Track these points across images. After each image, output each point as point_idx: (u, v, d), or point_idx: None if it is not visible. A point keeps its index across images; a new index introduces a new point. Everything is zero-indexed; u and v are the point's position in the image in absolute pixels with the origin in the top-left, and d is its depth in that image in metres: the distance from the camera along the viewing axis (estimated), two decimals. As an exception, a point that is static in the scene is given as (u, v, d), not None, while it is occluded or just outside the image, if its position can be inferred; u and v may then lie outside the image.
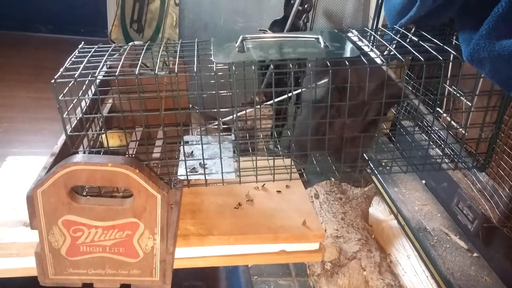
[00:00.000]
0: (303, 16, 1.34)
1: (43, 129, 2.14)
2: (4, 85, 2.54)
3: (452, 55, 0.70)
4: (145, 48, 0.81)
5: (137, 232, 0.62)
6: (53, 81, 0.67)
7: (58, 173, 0.57)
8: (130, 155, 0.85)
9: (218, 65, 0.69)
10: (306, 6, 1.32)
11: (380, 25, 1.22)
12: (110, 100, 0.99)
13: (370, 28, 1.27)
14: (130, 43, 1.02)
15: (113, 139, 0.90)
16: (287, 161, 0.87)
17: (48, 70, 2.87)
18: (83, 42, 0.85)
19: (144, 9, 3.02)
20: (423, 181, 1.04)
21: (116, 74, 0.65)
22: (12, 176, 0.87)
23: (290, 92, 0.87)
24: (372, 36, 0.81)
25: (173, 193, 0.76)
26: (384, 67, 0.68)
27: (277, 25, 1.46)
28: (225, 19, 1.99)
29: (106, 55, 0.75)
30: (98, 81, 0.66)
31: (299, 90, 0.93)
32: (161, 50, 0.79)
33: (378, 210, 1.21)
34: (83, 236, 0.61)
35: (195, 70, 0.68)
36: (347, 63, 0.67)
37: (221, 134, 0.89)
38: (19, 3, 3.37)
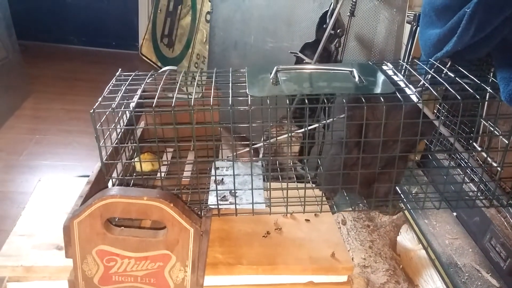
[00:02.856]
0: (335, 41, 1.34)
1: (74, 142, 2.19)
2: (39, 97, 2.62)
3: (489, 93, 0.69)
4: (181, 75, 0.82)
5: (168, 264, 0.63)
6: (92, 111, 0.69)
7: (95, 205, 0.58)
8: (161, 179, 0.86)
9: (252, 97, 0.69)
10: (338, 31, 1.32)
11: (412, 52, 1.21)
12: (142, 123, 1.01)
13: (402, 57, 1.26)
14: (166, 68, 1.04)
15: (144, 164, 0.92)
16: (317, 191, 0.87)
17: (81, 82, 2.98)
18: (120, 70, 0.86)
19: (175, 25, 3.07)
20: (454, 214, 1.02)
21: (153, 106, 0.66)
22: (45, 198, 0.89)
23: (318, 121, 0.88)
24: (407, 70, 0.81)
25: (203, 221, 0.76)
26: (420, 104, 0.67)
27: (309, 49, 1.47)
28: (255, 38, 2.01)
29: (143, 85, 0.76)
30: (133, 112, 0.68)
31: (330, 120, 0.93)
32: (196, 79, 0.81)
33: (406, 239, 1.19)
34: (116, 265, 0.62)
35: (230, 103, 0.68)
36: (382, 100, 0.67)
37: (252, 160, 0.90)
38: (53, 15, 3.48)
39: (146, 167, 0.92)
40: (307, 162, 0.97)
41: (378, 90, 0.70)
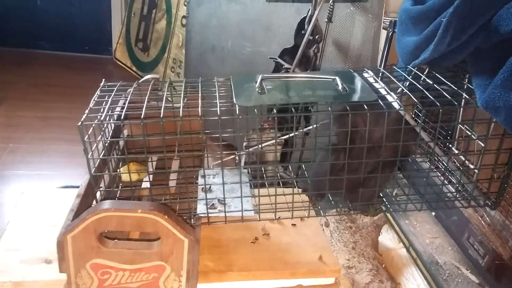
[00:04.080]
0: (314, 47, 1.36)
1: (49, 150, 2.15)
2: (11, 105, 2.56)
3: (466, 99, 0.72)
4: (166, 85, 0.82)
5: (163, 275, 0.63)
6: (79, 124, 0.69)
7: (88, 219, 0.58)
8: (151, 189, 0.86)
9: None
10: (317, 37, 1.35)
11: (389, 58, 1.25)
12: (125, 133, 1.01)
13: (379, 62, 1.30)
14: (148, 76, 1.04)
15: (131, 174, 0.92)
16: (304, 196, 0.89)
17: (55, 88, 2.92)
18: (104, 80, 0.86)
19: (150, 28, 3.06)
20: (433, 213, 1.06)
21: (142, 117, 0.67)
22: (29, 211, 0.88)
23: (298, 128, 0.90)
24: (387, 77, 0.83)
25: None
26: (402, 112, 0.70)
27: (287, 54, 1.49)
28: (232, 43, 2.02)
29: (129, 96, 0.77)
30: (122, 124, 0.68)
31: (311, 126, 0.95)
32: (183, 88, 0.81)
33: (387, 239, 1.22)
34: (111, 278, 0.63)
35: (218, 113, 0.70)
36: (366, 107, 0.70)
37: (238, 167, 0.91)
38: (23, 20, 3.40)
39: (133, 177, 0.92)
40: (290, 166, 0.99)
41: (361, 98, 0.73)
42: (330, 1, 1.32)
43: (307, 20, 1.41)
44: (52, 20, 3.43)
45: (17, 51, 3.41)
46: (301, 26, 1.45)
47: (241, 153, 1.01)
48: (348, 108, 0.69)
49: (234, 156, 0.89)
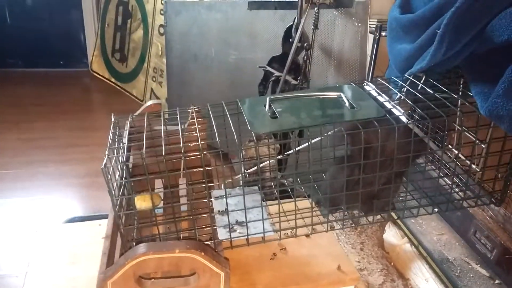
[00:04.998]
0: (303, 54, 1.39)
1: (38, 173, 2.12)
2: (-5, 128, 2.50)
3: (468, 107, 0.76)
4: (178, 117, 0.83)
5: (201, 308, 0.65)
6: (103, 167, 0.69)
7: (127, 264, 0.60)
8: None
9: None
10: (305, 44, 1.37)
11: (377, 61, 1.28)
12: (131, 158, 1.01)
13: (368, 66, 1.33)
14: (150, 102, 1.04)
15: (145, 202, 0.92)
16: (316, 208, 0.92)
17: (34, 107, 2.87)
18: (113, 114, 0.86)
19: (126, 39, 3.02)
20: (436, 209, 1.10)
21: (161, 158, 0.68)
22: (44, 250, 0.88)
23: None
24: (386, 89, 0.86)
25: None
26: (410, 125, 0.73)
27: (277, 62, 1.51)
28: (216, 51, 2.03)
29: (145, 133, 0.78)
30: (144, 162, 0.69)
31: (316, 139, 0.97)
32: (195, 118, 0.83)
33: (390, 235, 1.26)
34: (151, 317, 0.64)
35: (237, 143, 0.71)
36: (376, 124, 0.72)
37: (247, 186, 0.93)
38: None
39: (147, 205, 0.93)
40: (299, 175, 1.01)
41: (370, 114, 0.76)
42: (315, 8, 1.35)
43: (293, 28, 1.43)
44: (24, 36, 3.36)
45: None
46: (288, 34, 1.47)
47: (250, 171, 1.03)
48: (360, 126, 0.72)
49: (242, 174, 0.90)
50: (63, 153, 2.31)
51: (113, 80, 3.19)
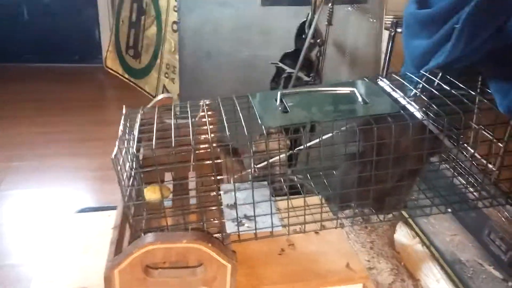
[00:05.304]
0: (316, 50, 1.38)
1: (54, 165, 2.15)
2: (6, 123, 2.54)
3: (485, 104, 0.75)
4: (189, 110, 0.83)
5: (208, 299, 0.65)
6: (113, 156, 0.69)
7: (135, 253, 0.59)
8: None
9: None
10: (318, 40, 1.36)
11: (392, 58, 1.26)
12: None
13: (382, 63, 1.31)
14: (161, 96, 1.04)
15: (155, 194, 0.92)
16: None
17: (49, 102, 2.91)
18: (124, 106, 0.86)
19: (140, 35, 3.04)
20: (449, 210, 1.09)
21: (170, 150, 0.68)
22: (57, 239, 0.88)
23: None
24: (401, 85, 0.85)
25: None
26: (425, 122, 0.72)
27: (289, 58, 1.50)
28: (229, 48, 2.02)
29: (155, 125, 0.77)
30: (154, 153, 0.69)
31: (328, 135, 0.96)
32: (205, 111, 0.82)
33: (401, 235, 1.25)
34: (157, 307, 0.64)
35: (247, 136, 0.71)
36: (390, 120, 0.71)
37: (255, 180, 0.92)
38: (10, 34, 3.37)
39: (157, 196, 0.93)
40: (303, 170, 1.00)
41: (384, 110, 0.74)
42: (329, 4, 1.34)
43: (307, 24, 1.42)
44: (40, 32, 3.40)
45: (5, 66, 3.36)
46: (301, 30, 1.46)
47: (259, 166, 1.02)
48: (372, 121, 0.71)
49: (254, 169, 0.90)
50: (77, 146, 2.34)
51: (126, 76, 3.21)
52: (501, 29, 0.74)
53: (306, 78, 1.41)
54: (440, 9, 0.88)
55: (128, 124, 0.83)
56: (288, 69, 1.49)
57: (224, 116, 0.77)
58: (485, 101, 0.74)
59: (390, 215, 0.83)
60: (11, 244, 1.61)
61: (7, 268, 1.47)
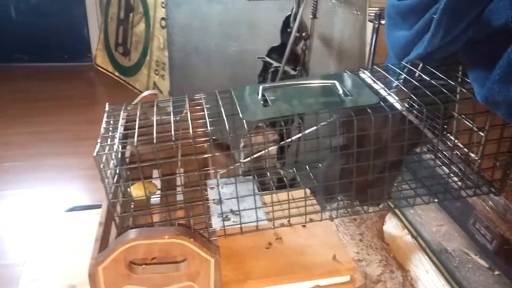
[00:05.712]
0: (302, 44, 1.38)
1: (44, 165, 2.14)
2: (1, 123, 2.52)
3: (464, 94, 0.75)
4: (171, 106, 0.83)
5: (192, 294, 0.65)
6: (95, 154, 0.69)
7: (118, 249, 0.60)
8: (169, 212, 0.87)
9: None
10: (303, 34, 1.36)
11: (377, 50, 1.27)
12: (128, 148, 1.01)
13: (367, 54, 1.32)
14: (146, 93, 1.04)
15: (141, 191, 0.92)
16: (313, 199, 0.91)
17: (39, 102, 2.89)
18: (107, 104, 0.86)
19: (129, 32, 3.03)
20: (435, 200, 1.09)
21: (153, 146, 0.68)
22: (45, 238, 0.89)
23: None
24: (383, 76, 0.85)
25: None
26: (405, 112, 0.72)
27: (276, 52, 1.50)
28: (217, 43, 2.02)
29: (137, 122, 0.77)
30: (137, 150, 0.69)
31: (313, 128, 0.97)
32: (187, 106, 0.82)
33: (391, 226, 1.25)
34: (142, 303, 0.64)
35: (228, 130, 0.71)
36: (370, 111, 0.71)
37: (239, 175, 0.93)
38: (-1, 34, 3.34)
39: (142, 193, 0.93)
40: (294, 164, 1.01)
41: (363, 102, 0.75)
42: (314, -3, 1.34)
43: (292, 17, 1.42)
44: (29, 31, 3.37)
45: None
46: (286, 23, 1.46)
47: (244, 161, 1.03)
48: (352, 113, 0.71)
49: (239, 164, 0.90)
50: (68, 146, 2.33)
51: (116, 73, 3.20)
52: (479, 18, 0.74)
53: (292, 72, 1.41)
54: (420, 0, 0.89)
55: (112, 122, 0.83)
56: (275, 63, 1.49)
57: (206, 112, 0.77)
58: (464, 90, 0.74)
59: (375, 206, 0.84)
60: (4, 244, 1.61)
61: (1, 268, 1.47)
